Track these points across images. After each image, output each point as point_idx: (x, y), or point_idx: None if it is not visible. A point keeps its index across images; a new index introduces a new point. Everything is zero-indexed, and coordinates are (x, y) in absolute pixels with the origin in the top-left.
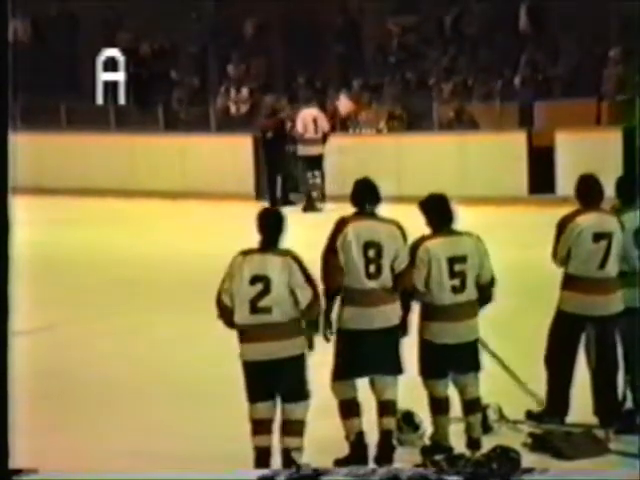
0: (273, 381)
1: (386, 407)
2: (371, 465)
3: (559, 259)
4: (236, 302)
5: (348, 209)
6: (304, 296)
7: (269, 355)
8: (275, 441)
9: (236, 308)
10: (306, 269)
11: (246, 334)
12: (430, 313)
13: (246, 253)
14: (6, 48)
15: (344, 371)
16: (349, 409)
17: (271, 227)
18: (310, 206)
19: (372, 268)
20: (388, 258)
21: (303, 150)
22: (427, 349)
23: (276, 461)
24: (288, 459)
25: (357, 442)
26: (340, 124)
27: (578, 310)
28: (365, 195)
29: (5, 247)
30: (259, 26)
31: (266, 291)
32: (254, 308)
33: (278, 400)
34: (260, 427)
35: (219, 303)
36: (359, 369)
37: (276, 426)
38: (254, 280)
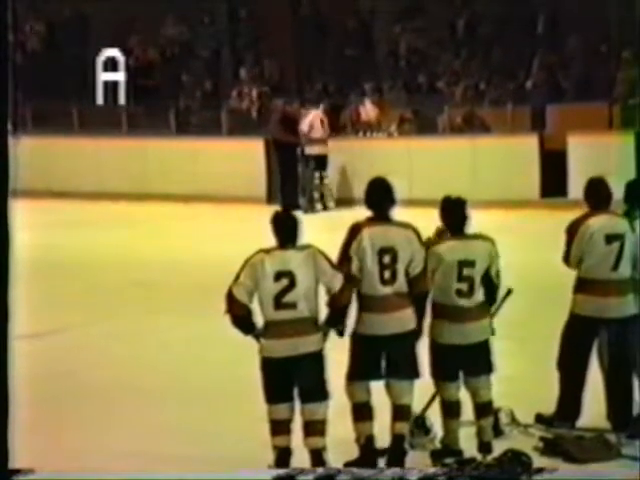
0: (293, 379)
1: (401, 412)
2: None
3: (571, 262)
4: (262, 299)
5: (357, 213)
6: (336, 281)
7: (293, 351)
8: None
9: (261, 305)
10: (329, 258)
11: (269, 330)
12: (437, 312)
13: (266, 250)
14: (7, 50)
15: (358, 374)
16: (361, 412)
17: (286, 229)
18: (311, 207)
19: (387, 274)
20: (403, 263)
21: (310, 149)
22: (436, 349)
23: (296, 461)
24: (317, 459)
25: (367, 446)
26: (363, 128)
27: (592, 313)
28: (380, 196)
29: (7, 252)
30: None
31: (291, 286)
32: (278, 304)
33: (297, 401)
34: (279, 427)
35: (230, 297)
36: (373, 373)
37: (295, 426)
38: (278, 276)
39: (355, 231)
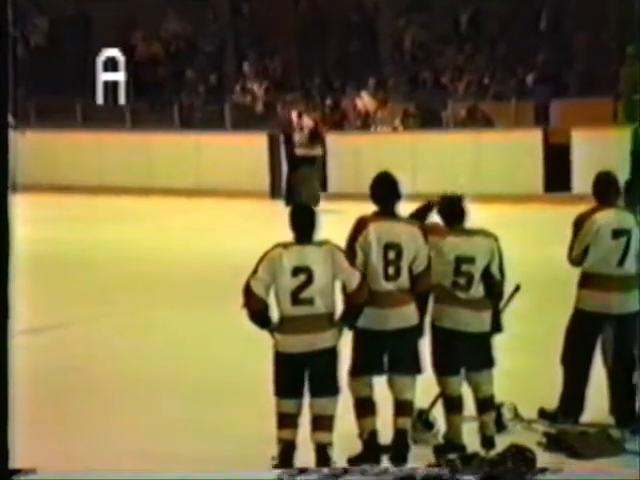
0: (306, 374)
1: (403, 407)
2: (385, 464)
3: (575, 257)
4: (279, 294)
5: (362, 208)
6: (353, 278)
7: (308, 347)
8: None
9: (277, 300)
10: (347, 255)
11: (286, 326)
12: (436, 297)
13: (284, 245)
14: (7, 47)
15: (361, 369)
16: (364, 408)
17: (305, 223)
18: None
19: (391, 270)
20: (407, 259)
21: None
22: (435, 334)
23: (300, 456)
24: (322, 455)
25: (370, 441)
26: (361, 122)
27: (597, 308)
28: (386, 191)
29: (7, 246)
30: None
31: (309, 282)
32: (296, 299)
33: (306, 395)
34: (286, 420)
35: (248, 292)
36: (376, 368)
37: (303, 420)
38: (296, 271)
39: (361, 225)
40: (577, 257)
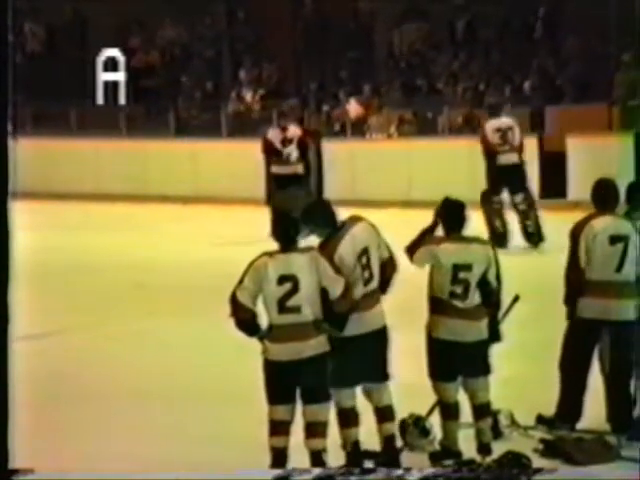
0: (296, 381)
1: (386, 413)
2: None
3: (580, 269)
4: (266, 302)
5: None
6: (338, 286)
7: (296, 355)
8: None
9: (265, 308)
10: (332, 262)
11: (274, 334)
12: (434, 308)
13: (270, 254)
14: (7, 52)
15: (345, 378)
16: (348, 418)
17: (287, 231)
18: None
19: (367, 274)
20: (375, 259)
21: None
22: (432, 345)
23: (294, 463)
24: (317, 460)
25: (354, 452)
26: (350, 128)
27: (595, 315)
28: (329, 214)
29: (7, 253)
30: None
31: (295, 290)
32: (282, 308)
33: (298, 402)
34: (278, 428)
35: (234, 301)
36: (362, 375)
37: (295, 428)
38: (281, 280)
39: (331, 249)
40: (582, 268)
